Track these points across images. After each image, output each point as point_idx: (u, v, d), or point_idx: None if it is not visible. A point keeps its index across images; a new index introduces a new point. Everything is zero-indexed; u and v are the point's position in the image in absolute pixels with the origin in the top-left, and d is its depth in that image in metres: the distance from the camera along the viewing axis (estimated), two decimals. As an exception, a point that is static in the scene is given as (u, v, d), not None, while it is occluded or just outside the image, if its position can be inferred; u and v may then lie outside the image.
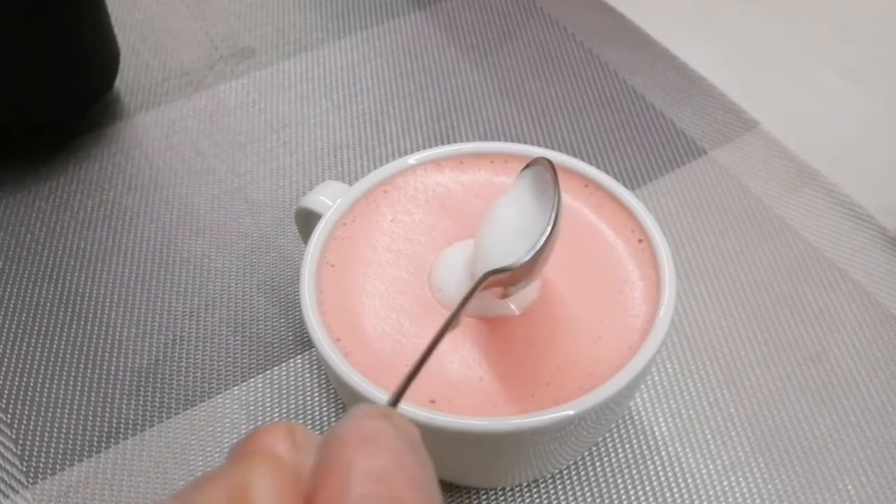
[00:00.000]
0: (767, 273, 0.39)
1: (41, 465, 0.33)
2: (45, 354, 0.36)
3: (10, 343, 0.36)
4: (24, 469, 0.33)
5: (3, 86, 0.39)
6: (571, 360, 0.27)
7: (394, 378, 0.27)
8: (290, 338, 0.37)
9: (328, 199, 0.32)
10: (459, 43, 0.50)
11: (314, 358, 0.36)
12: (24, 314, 0.37)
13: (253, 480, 0.14)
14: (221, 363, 0.36)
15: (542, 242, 0.26)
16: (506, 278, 0.26)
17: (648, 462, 0.33)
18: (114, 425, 0.34)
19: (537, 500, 0.32)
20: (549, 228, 0.26)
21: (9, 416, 0.34)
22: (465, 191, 0.32)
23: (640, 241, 0.30)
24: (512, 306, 0.29)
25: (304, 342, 0.36)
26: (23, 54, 0.39)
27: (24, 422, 0.34)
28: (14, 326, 0.37)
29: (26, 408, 0.34)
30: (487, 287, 0.26)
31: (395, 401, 0.19)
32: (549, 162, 0.28)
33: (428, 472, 0.16)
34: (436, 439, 0.26)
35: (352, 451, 0.15)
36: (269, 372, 0.35)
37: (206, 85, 0.48)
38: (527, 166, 0.29)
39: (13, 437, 0.33)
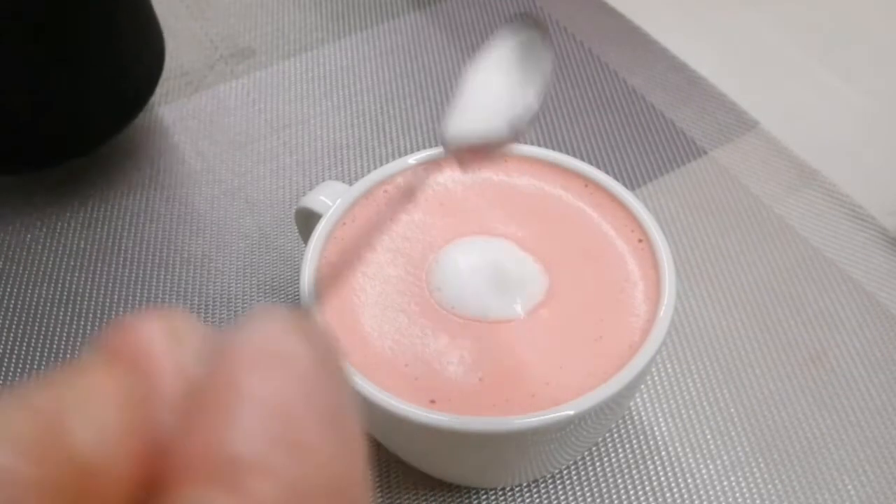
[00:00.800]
0: (767, 273, 0.39)
1: (41, 465, 0.33)
2: (45, 354, 0.36)
3: (10, 343, 0.36)
4: (24, 469, 0.32)
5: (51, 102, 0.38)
6: (571, 359, 0.27)
7: (394, 377, 0.27)
8: (290, 338, 0.36)
9: (328, 199, 0.32)
10: (459, 43, 0.50)
11: (314, 358, 0.36)
12: (24, 314, 0.37)
13: (76, 404, 0.11)
14: (221, 363, 0.36)
15: (523, 116, 0.24)
16: (478, 151, 0.24)
17: (648, 462, 0.33)
18: (114, 425, 0.34)
19: (537, 500, 0.32)
20: (534, 101, 0.24)
21: (9, 416, 0.34)
22: (464, 190, 0.32)
23: (640, 240, 0.30)
24: (518, 309, 0.28)
25: (304, 342, 0.36)
26: (64, 68, 0.37)
27: (24, 422, 0.34)
28: (14, 326, 0.37)
29: (26, 408, 0.34)
30: (459, 156, 0.24)
31: (319, 295, 0.16)
32: (540, 24, 0.26)
33: (344, 406, 0.12)
34: (436, 439, 0.26)
35: (246, 371, 0.12)
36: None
37: (206, 85, 0.48)
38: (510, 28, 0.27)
39: (13, 437, 0.33)
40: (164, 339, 0.12)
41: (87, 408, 0.11)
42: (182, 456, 0.11)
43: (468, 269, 0.29)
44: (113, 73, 0.39)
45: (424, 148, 0.43)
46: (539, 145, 0.43)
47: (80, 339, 0.36)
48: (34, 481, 0.10)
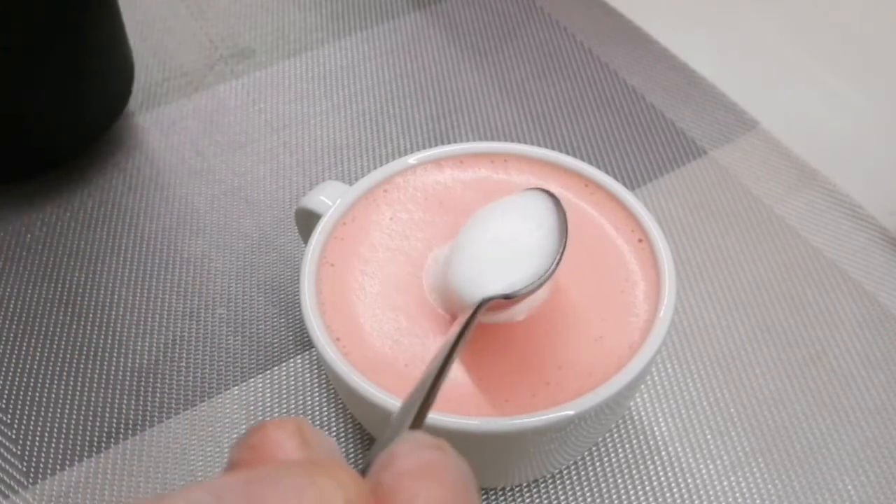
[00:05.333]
0: (767, 273, 0.39)
1: (41, 465, 0.33)
2: (45, 354, 0.36)
3: (10, 343, 0.36)
4: (24, 469, 0.32)
5: (33, 111, 0.39)
6: (572, 359, 0.27)
7: (393, 377, 0.27)
8: (290, 338, 0.37)
9: (328, 199, 0.32)
10: (459, 43, 0.50)
11: (314, 358, 0.36)
12: (24, 314, 0.37)
13: (335, 494, 0.14)
14: (221, 363, 0.36)
15: (551, 269, 0.26)
16: (504, 304, 0.26)
17: (648, 462, 0.33)
18: (114, 425, 0.34)
19: (537, 500, 0.32)
20: (560, 253, 0.26)
21: (9, 416, 0.34)
22: (464, 189, 0.32)
23: (640, 240, 0.30)
24: (517, 309, 0.28)
25: (304, 342, 0.36)
26: (42, 80, 0.38)
27: (24, 422, 0.34)
28: (14, 326, 0.37)
29: (26, 408, 0.34)
30: (485, 313, 0.26)
31: (418, 425, 0.19)
32: (549, 193, 0.28)
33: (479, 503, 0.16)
34: (436, 439, 0.26)
35: (413, 480, 0.15)
36: (269, 372, 0.35)
37: (206, 85, 0.48)
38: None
39: (13, 437, 0.33)
40: (293, 442, 0.16)
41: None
42: None
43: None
44: (77, 95, 0.40)
45: (424, 148, 0.43)
46: (539, 145, 0.43)
47: (80, 339, 0.36)
48: None
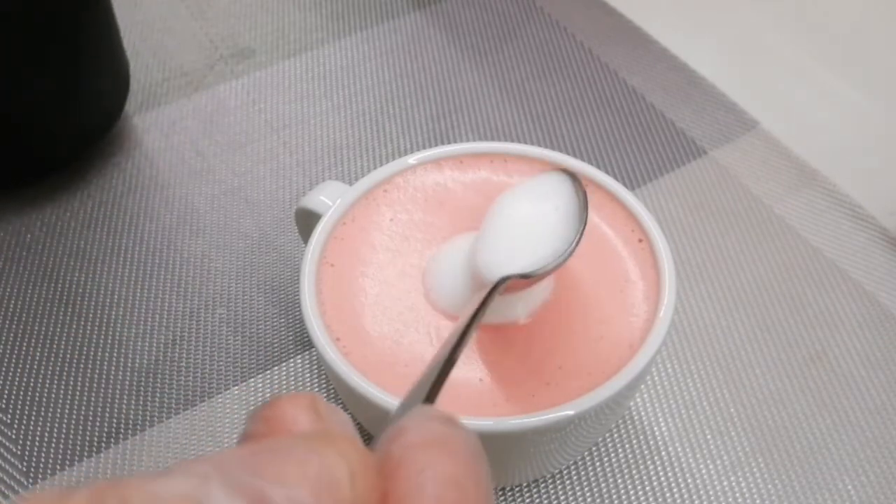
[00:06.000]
0: (767, 273, 0.39)
1: (41, 465, 0.33)
2: (45, 354, 0.36)
3: (10, 343, 0.36)
4: (24, 469, 0.32)
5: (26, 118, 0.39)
6: (572, 359, 0.27)
7: (393, 377, 0.27)
8: (290, 338, 0.37)
9: (328, 199, 0.32)
10: (459, 43, 0.50)
11: (314, 358, 0.36)
12: (24, 314, 0.37)
13: (339, 465, 0.14)
14: (221, 363, 0.36)
15: (569, 250, 0.26)
16: (522, 283, 0.26)
17: (648, 462, 0.33)
18: (114, 425, 0.34)
19: (537, 500, 0.32)
20: (578, 237, 0.27)
21: (9, 416, 0.34)
22: (464, 189, 0.32)
23: (640, 240, 0.30)
24: (518, 312, 0.28)
25: (304, 342, 0.36)
26: (38, 86, 0.38)
27: (24, 422, 0.34)
28: (14, 326, 0.37)
29: (26, 408, 0.34)
30: (503, 292, 0.26)
31: (433, 398, 0.19)
32: (571, 174, 0.29)
33: (489, 479, 0.16)
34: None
35: (423, 452, 0.15)
36: (269, 372, 0.35)
37: (206, 85, 0.48)
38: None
39: (13, 437, 0.33)
40: (307, 416, 0.16)
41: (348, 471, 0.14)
42: None
43: (465, 269, 0.29)
44: (74, 101, 0.40)
45: (424, 148, 0.43)
46: (539, 145, 0.43)
47: (80, 339, 0.36)
48: None
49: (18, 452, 0.33)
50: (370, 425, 0.31)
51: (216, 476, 0.13)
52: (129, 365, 0.36)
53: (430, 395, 0.19)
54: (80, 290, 0.38)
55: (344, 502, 0.13)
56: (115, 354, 0.36)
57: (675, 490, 0.32)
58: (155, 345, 0.36)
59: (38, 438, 0.33)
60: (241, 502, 0.13)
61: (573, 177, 0.29)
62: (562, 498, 0.32)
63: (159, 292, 0.38)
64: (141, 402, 0.34)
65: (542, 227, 0.28)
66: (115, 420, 0.34)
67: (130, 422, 0.34)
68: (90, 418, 0.34)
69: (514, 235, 0.28)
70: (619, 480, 0.32)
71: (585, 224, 0.28)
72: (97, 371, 0.35)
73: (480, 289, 0.27)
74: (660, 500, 0.32)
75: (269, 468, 0.13)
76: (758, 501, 0.32)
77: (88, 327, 0.37)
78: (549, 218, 0.28)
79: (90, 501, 0.12)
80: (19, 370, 0.35)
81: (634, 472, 0.32)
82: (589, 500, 0.32)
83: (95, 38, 0.40)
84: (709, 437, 0.33)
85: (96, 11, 0.39)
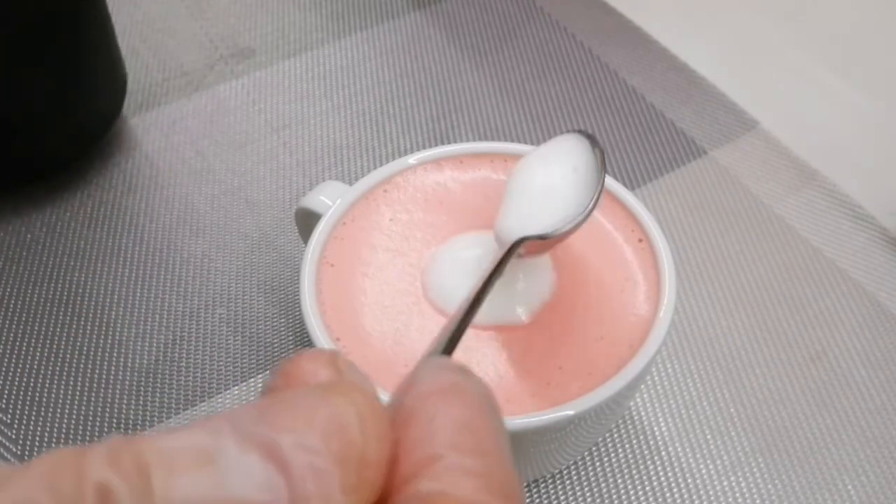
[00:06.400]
0: (767, 273, 0.39)
1: (41, 465, 0.33)
2: (45, 354, 0.36)
3: (10, 343, 0.36)
4: (24, 469, 0.32)
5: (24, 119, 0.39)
6: (572, 360, 0.27)
7: (393, 377, 0.27)
8: (290, 338, 0.37)
9: (328, 199, 0.32)
10: (459, 43, 0.50)
11: (314, 358, 0.36)
12: (24, 314, 0.37)
13: (347, 410, 0.14)
14: (221, 363, 0.36)
15: (587, 212, 0.27)
16: (540, 245, 0.27)
17: (648, 462, 0.33)
18: (114, 425, 0.34)
19: (537, 501, 0.32)
20: (595, 198, 0.27)
21: (9, 416, 0.34)
22: (464, 189, 0.32)
23: (640, 240, 0.30)
24: (518, 312, 0.28)
25: (304, 342, 0.36)
26: (35, 88, 0.38)
27: (24, 422, 0.34)
28: (14, 326, 0.37)
29: (26, 408, 0.34)
30: (523, 254, 0.27)
31: (449, 352, 0.19)
32: (588, 135, 0.29)
33: (503, 428, 0.16)
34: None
35: (435, 399, 0.15)
36: (268, 372, 0.35)
37: (206, 85, 0.48)
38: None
39: (13, 437, 0.33)
40: (326, 371, 0.16)
41: (364, 423, 0.14)
42: (403, 464, 0.14)
43: (464, 269, 0.29)
44: (70, 102, 0.40)
45: (424, 148, 0.43)
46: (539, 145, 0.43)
47: (80, 339, 0.36)
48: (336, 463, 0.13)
49: (18, 452, 0.33)
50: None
51: (228, 429, 0.13)
52: (129, 365, 0.36)
53: (447, 349, 0.19)
54: (80, 290, 0.38)
55: (353, 445, 0.14)
56: (115, 354, 0.36)
57: (675, 490, 0.32)
58: (155, 345, 0.36)
59: (38, 438, 0.33)
60: (252, 452, 0.13)
61: (591, 137, 0.29)
62: (562, 498, 0.32)
63: (159, 292, 0.38)
64: (141, 402, 0.34)
65: (560, 190, 0.28)
66: (115, 420, 0.34)
67: (130, 422, 0.34)
68: (90, 418, 0.34)
69: (533, 199, 0.28)
70: (619, 480, 0.32)
71: (603, 185, 0.28)
72: (97, 371, 0.35)
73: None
74: (660, 500, 0.32)
75: (279, 418, 0.13)
76: (758, 501, 0.32)
77: (88, 327, 0.37)
78: (568, 179, 0.28)
79: (106, 456, 0.12)
80: (19, 370, 0.35)
81: (634, 472, 0.32)
82: (589, 500, 0.32)
83: (92, 39, 0.40)
84: (709, 437, 0.33)
85: (92, 12, 0.39)
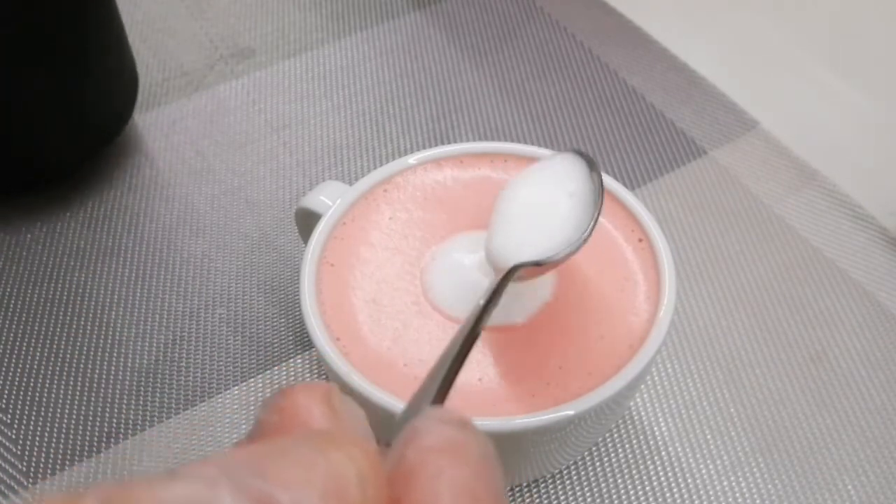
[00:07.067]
0: (767, 273, 0.39)
1: (41, 465, 0.33)
2: (45, 354, 0.36)
3: (10, 343, 0.36)
4: (24, 469, 0.32)
5: (33, 124, 0.38)
6: (572, 359, 0.27)
7: (393, 377, 0.27)
8: (290, 338, 0.37)
9: (328, 198, 0.32)
10: (459, 43, 0.50)
11: (314, 358, 0.36)
12: (24, 314, 0.37)
13: (347, 468, 0.14)
14: (221, 363, 0.36)
15: (583, 237, 0.26)
16: (535, 271, 0.26)
17: (648, 462, 0.33)
18: (114, 425, 0.34)
19: (537, 500, 0.32)
20: (592, 224, 0.27)
21: (9, 416, 0.34)
22: (464, 189, 0.32)
23: (640, 240, 0.30)
24: (519, 312, 0.28)
25: (304, 342, 0.36)
26: (42, 95, 0.38)
27: (24, 422, 0.34)
28: (14, 326, 0.37)
29: (26, 408, 0.34)
30: (516, 280, 0.26)
31: (440, 400, 0.19)
32: (586, 156, 0.29)
33: (503, 488, 0.16)
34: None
35: (437, 457, 0.15)
36: (268, 372, 0.35)
37: (206, 85, 0.48)
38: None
39: (13, 437, 0.33)
40: (321, 409, 0.15)
41: (364, 480, 0.14)
42: None
43: (463, 268, 0.29)
44: (82, 105, 0.39)
45: (424, 148, 0.43)
46: (539, 145, 0.43)
47: (80, 339, 0.36)
48: None
49: (18, 452, 0.33)
50: (371, 424, 0.31)
51: (223, 479, 0.13)
52: (129, 365, 0.36)
53: (440, 394, 0.19)
54: (80, 290, 0.38)
55: None
56: (115, 354, 0.36)
57: (675, 490, 0.32)
58: (155, 345, 0.36)
59: (38, 438, 0.33)
60: None
61: (589, 160, 0.29)
62: (562, 498, 0.32)
63: (159, 292, 0.38)
64: (141, 402, 0.34)
65: (557, 214, 0.28)
66: (115, 420, 0.34)
67: (130, 422, 0.34)
68: (90, 418, 0.34)
69: (528, 222, 0.28)
70: (619, 480, 0.32)
71: (600, 211, 0.27)
72: (97, 371, 0.35)
73: (495, 272, 0.27)
74: (660, 500, 0.32)
75: (275, 470, 0.13)
76: (758, 501, 0.32)
77: (88, 327, 0.37)
78: (564, 204, 0.28)
79: None
80: (19, 370, 0.35)
81: (634, 472, 0.32)
82: (589, 500, 0.32)
83: (103, 39, 0.40)
84: (709, 437, 0.33)
85: (102, 12, 0.39)
